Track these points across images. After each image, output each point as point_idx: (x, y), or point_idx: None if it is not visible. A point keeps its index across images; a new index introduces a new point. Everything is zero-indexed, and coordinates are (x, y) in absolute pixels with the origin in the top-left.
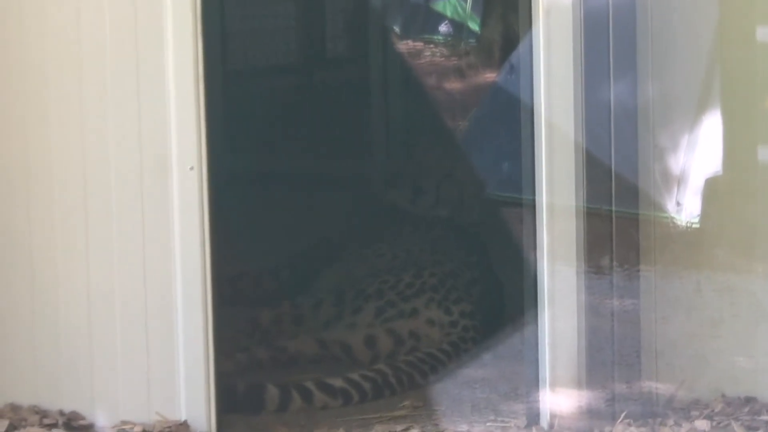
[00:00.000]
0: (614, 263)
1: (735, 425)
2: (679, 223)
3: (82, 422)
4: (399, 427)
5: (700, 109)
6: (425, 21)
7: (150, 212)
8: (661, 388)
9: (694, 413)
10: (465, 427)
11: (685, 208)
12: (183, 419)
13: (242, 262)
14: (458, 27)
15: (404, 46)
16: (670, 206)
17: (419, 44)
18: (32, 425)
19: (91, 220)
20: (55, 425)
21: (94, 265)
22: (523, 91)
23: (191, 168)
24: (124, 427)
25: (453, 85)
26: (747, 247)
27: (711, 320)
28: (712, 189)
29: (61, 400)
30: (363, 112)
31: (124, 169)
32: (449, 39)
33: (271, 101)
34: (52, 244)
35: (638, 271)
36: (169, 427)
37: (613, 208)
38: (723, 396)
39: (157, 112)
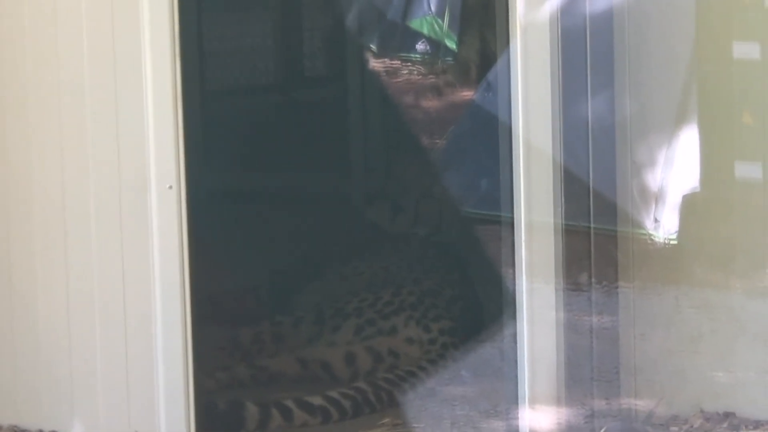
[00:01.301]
0: (593, 280)
1: None
2: (657, 239)
3: None
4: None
5: (677, 126)
6: (402, 39)
7: (128, 229)
8: (640, 404)
9: (673, 429)
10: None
11: (663, 224)
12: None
13: (221, 281)
14: (435, 45)
15: (381, 64)
16: (648, 222)
17: (396, 62)
18: None
19: (70, 237)
20: None
21: (73, 282)
22: (501, 109)
23: (170, 187)
24: None
25: (431, 103)
26: (725, 263)
27: (689, 336)
28: (689, 205)
29: (41, 419)
30: (341, 131)
31: (102, 186)
32: (426, 57)
33: (249, 120)
34: (31, 261)
35: (617, 287)
36: None
37: (592, 225)
38: (702, 411)
39: (136, 131)
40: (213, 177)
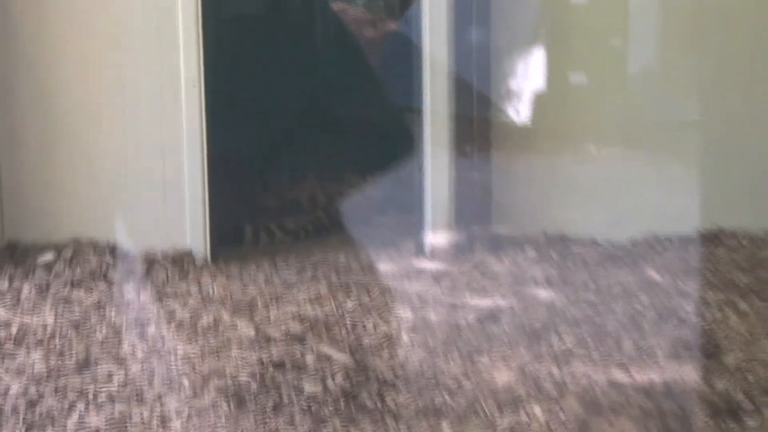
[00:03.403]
0: (474, 150)
1: (552, 253)
2: (517, 123)
3: (121, 250)
4: (331, 253)
5: (533, 47)
6: None
7: (167, 112)
8: (504, 230)
9: (527, 246)
10: (376, 252)
11: (521, 113)
12: (188, 248)
13: (228, 146)
14: None
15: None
16: (512, 112)
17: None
18: (88, 253)
19: (127, 115)
20: (103, 253)
21: (131, 145)
22: (415, 36)
23: (194, 86)
24: (149, 252)
25: (369, 32)
26: (561, 139)
27: (539, 186)
28: (538, 101)
29: (108, 235)
30: (311, 47)
31: (151, 83)
32: (366, 2)
33: (241, 44)
34: (99, 127)
35: (490, 154)
36: (179, 253)
37: (474, 113)
38: (544, 233)
39: (172, 50)
40: (222, 79)
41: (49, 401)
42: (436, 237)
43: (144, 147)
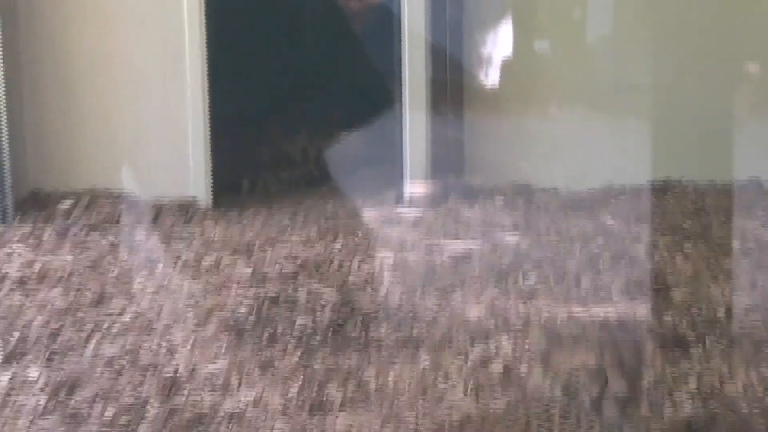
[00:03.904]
0: (448, 110)
1: (518, 201)
2: (487, 86)
3: (131, 199)
4: (320, 201)
5: (501, 18)
6: None
7: (174, 77)
8: (475, 181)
9: (495, 195)
10: (360, 200)
11: (490, 78)
12: (193, 197)
13: (226, 106)
14: None
15: None
16: (483, 76)
17: None
18: (103, 200)
19: (140, 82)
20: (117, 200)
21: (142, 105)
22: (396, 8)
23: (197, 51)
24: (157, 200)
25: (354, 6)
26: (528, 100)
27: (507, 142)
28: (506, 66)
29: (122, 184)
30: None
31: (157, 51)
32: None
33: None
34: (117, 93)
35: (462, 114)
36: (184, 201)
37: (448, 77)
38: (512, 184)
39: (177, 24)
40: (222, 46)
41: (68, 332)
42: (414, 187)
43: (153, 107)
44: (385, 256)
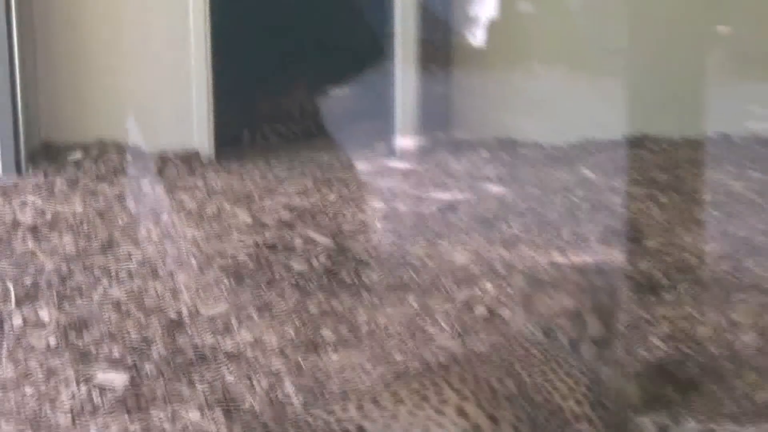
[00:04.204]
0: (437, 67)
1: (502, 154)
2: (474, 45)
3: (138, 151)
4: (316, 153)
5: None
6: None
7: (179, 36)
8: (462, 135)
9: (481, 148)
10: (353, 153)
11: (477, 37)
12: (196, 149)
13: (232, 63)
14: None
15: None
16: (470, 36)
17: None
18: (112, 152)
19: (147, 39)
20: (124, 152)
21: (149, 62)
22: None
23: (201, 11)
24: (162, 152)
25: None
26: (512, 59)
27: (492, 98)
28: (492, 27)
29: (129, 137)
30: None
31: (163, 11)
32: None
33: None
34: (124, 52)
35: (450, 71)
36: (188, 153)
37: (437, 37)
38: (497, 138)
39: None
40: (224, 7)
41: (78, 277)
42: (404, 140)
43: (159, 64)
44: (376, 206)
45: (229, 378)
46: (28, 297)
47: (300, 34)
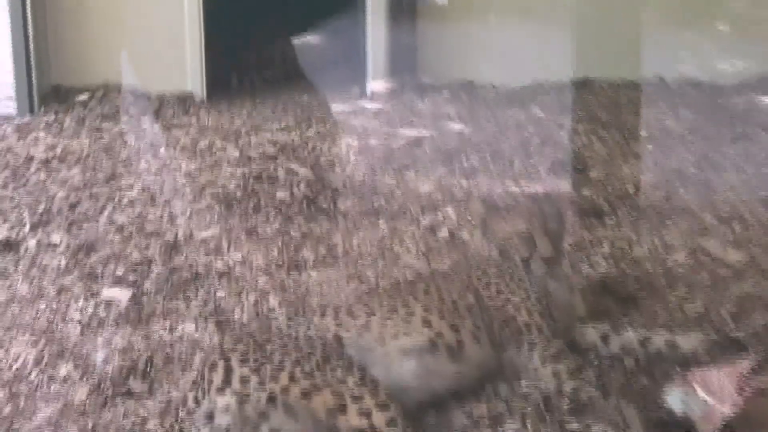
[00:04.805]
0: (404, 18)
1: (462, 95)
2: (440, 5)
3: (140, 92)
4: (296, 95)
5: None
6: None
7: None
8: (427, 78)
9: (443, 90)
10: (330, 95)
11: None
12: (190, 91)
13: (221, 16)
14: None
15: None
16: None
17: None
18: (115, 94)
19: (151, 3)
20: (126, 93)
21: (149, 12)
22: None
23: None
24: (160, 94)
25: None
26: (471, 11)
27: (453, 46)
28: None
29: (130, 80)
30: None
31: None
32: None
33: None
34: (126, 3)
35: (416, 22)
36: (183, 94)
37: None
38: (457, 81)
39: None
40: None
41: (85, 204)
42: (375, 84)
43: (158, 16)
44: (350, 141)
45: (220, 294)
46: (41, 222)
47: None
